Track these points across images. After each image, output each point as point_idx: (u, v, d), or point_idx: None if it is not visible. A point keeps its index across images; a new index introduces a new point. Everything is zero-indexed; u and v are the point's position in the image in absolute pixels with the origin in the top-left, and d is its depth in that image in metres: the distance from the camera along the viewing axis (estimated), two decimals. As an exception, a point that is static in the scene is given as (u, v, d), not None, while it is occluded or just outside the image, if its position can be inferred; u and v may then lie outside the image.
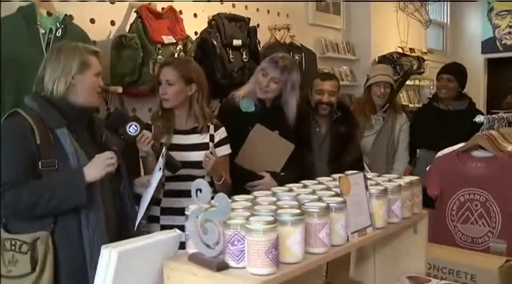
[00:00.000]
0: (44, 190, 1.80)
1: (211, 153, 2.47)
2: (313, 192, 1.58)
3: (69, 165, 1.85)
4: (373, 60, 5.25)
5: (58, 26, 2.57)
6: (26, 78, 2.28)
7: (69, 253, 1.86)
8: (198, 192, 1.30)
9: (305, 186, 1.71)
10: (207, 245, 1.28)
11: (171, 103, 2.41)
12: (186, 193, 2.41)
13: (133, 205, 2.14)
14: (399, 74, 5.04)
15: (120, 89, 2.90)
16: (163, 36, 3.02)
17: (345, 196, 1.50)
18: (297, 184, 1.74)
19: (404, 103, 5.79)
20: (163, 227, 2.28)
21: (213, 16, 3.47)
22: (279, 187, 1.67)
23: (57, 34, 2.57)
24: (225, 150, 2.54)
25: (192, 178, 2.40)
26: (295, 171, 2.75)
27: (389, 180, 1.81)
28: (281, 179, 2.64)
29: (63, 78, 1.92)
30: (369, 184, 1.68)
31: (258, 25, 4.05)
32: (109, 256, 1.21)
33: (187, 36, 3.21)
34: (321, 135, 3.12)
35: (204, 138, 2.47)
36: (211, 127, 2.51)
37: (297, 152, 2.83)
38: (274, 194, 1.58)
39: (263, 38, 4.08)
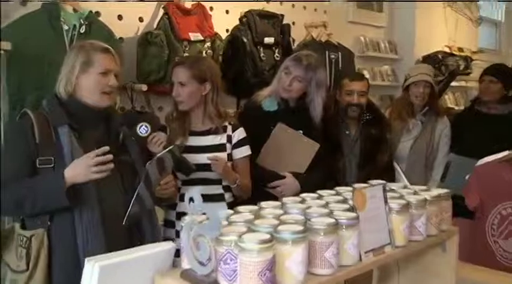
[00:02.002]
0: (29, 192, 1.77)
1: (229, 155, 2.37)
2: (326, 205, 1.44)
3: (63, 163, 1.81)
4: (416, 59, 5.00)
5: (82, 22, 2.53)
6: (49, 75, 2.26)
7: (62, 251, 1.83)
8: (191, 201, 1.19)
9: (320, 197, 1.58)
10: (200, 262, 1.18)
11: (186, 105, 2.33)
12: (202, 197, 2.36)
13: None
14: (444, 75, 4.77)
15: (144, 87, 2.84)
16: (190, 33, 2.94)
17: (359, 211, 1.36)
18: (311, 194, 1.60)
19: (450, 105, 5.51)
20: (179, 233, 2.20)
21: (245, 13, 3.36)
22: (290, 198, 1.54)
23: (80, 31, 2.53)
24: (244, 151, 2.43)
25: (208, 181, 2.33)
26: (322, 173, 2.62)
27: (415, 193, 1.64)
28: (304, 180, 2.57)
29: (68, 78, 1.90)
30: (390, 196, 1.54)
31: (293, 22, 3.91)
32: (92, 270, 1.13)
33: (216, 33, 3.12)
34: (351, 138, 2.97)
35: (220, 139, 2.38)
36: (229, 127, 2.41)
37: (326, 154, 2.69)
38: (282, 205, 1.45)
39: (298, 35, 3.94)
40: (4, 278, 1.89)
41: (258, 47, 3.33)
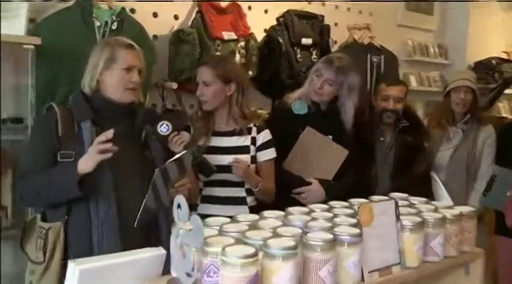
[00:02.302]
0: (45, 181, 1.81)
1: (253, 157, 2.31)
2: (332, 218, 1.35)
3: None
4: (467, 65, 4.75)
5: (114, 19, 2.54)
6: (79, 70, 2.27)
7: (78, 244, 1.84)
8: (178, 209, 1.14)
9: (330, 208, 1.49)
10: (186, 272, 1.12)
11: (211, 105, 2.29)
12: (224, 200, 2.33)
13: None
14: (496, 82, 4.50)
15: (175, 85, 2.82)
16: (223, 32, 2.90)
17: (364, 227, 1.27)
18: (322, 205, 1.52)
19: (504, 114, 5.21)
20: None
21: (283, 13, 3.29)
22: (296, 208, 1.46)
23: (112, 27, 2.54)
24: (269, 154, 2.37)
25: (230, 183, 2.28)
26: (350, 181, 2.51)
27: (435, 210, 1.52)
28: (330, 188, 2.48)
29: (92, 74, 1.92)
30: (406, 212, 1.43)
31: (335, 24, 3.80)
32: (73, 272, 1.09)
33: (251, 33, 3.06)
34: (386, 145, 2.84)
35: (244, 141, 2.32)
36: (254, 129, 2.35)
37: (356, 161, 2.58)
38: (285, 216, 1.37)
39: (341, 37, 3.82)
40: (25, 268, 1.93)
41: (295, 48, 3.25)
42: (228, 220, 1.31)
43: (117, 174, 1.86)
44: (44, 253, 1.85)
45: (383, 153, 2.84)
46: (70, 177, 1.76)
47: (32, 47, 2.21)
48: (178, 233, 1.14)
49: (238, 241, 1.12)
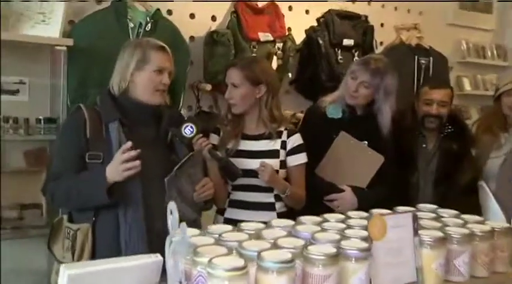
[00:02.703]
0: (75, 185, 1.81)
1: (283, 162, 2.24)
2: (344, 230, 1.26)
3: (110, 160, 1.79)
4: (529, 67, 4.44)
5: (148, 20, 2.55)
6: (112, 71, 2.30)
7: (106, 247, 1.83)
8: (171, 215, 1.09)
9: (347, 218, 1.40)
10: (178, 281, 1.07)
11: (240, 108, 2.23)
12: (251, 205, 2.26)
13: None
14: (559, 86, 4.16)
15: (209, 87, 2.80)
16: (260, 33, 2.84)
17: (374, 241, 1.17)
18: (338, 215, 1.43)
19: None
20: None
21: (324, 13, 3.19)
22: (307, 217, 1.37)
23: (146, 28, 2.54)
24: (300, 159, 2.27)
25: (259, 188, 2.21)
26: (386, 189, 2.38)
27: (463, 224, 1.39)
28: (364, 196, 2.35)
29: (123, 75, 1.91)
30: (429, 226, 1.31)
31: (381, 24, 3.65)
32: (63, 276, 1.07)
33: (288, 35, 2.99)
34: (428, 152, 2.67)
35: (273, 145, 2.24)
36: (284, 133, 2.27)
37: (393, 168, 2.44)
38: (293, 227, 1.29)
39: (387, 38, 3.67)
40: (51, 267, 1.97)
41: (336, 49, 3.14)
42: (263, 225, 1.24)
43: (144, 178, 1.84)
44: (73, 254, 1.86)
45: (425, 161, 2.67)
46: (99, 184, 1.75)
47: (64, 48, 2.25)
48: (170, 240, 1.09)
49: (232, 252, 1.05)
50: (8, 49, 2.32)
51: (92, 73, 2.44)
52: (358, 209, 1.78)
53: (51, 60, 2.43)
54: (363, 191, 2.38)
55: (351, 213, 1.46)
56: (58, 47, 2.26)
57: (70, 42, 2.28)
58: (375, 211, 1.45)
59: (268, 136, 2.25)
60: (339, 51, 3.15)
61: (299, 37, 3.17)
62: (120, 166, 1.73)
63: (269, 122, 2.24)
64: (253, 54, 2.82)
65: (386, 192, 2.37)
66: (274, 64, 2.92)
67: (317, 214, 1.60)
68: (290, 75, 3.12)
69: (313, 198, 2.33)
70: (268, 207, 2.25)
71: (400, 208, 1.49)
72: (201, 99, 2.89)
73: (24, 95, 2.45)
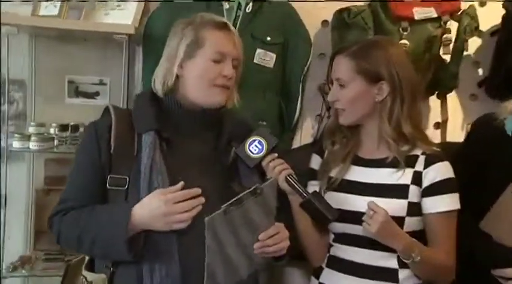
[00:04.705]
0: (88, 227, 1.31)
1: (414, 205, 1.41)
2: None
3: (137, 187, 1.31)
4: None
5: (249, -2, 1.91)
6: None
7: None
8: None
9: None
10: None
11: (349, 116, 1.50)
12: (359, 269, 1.44)
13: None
14: None
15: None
16: (414, 9, 1.92)
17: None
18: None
19: None
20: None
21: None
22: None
23: (247, 9, 1.91)
24: (445, 203, 1.43)
25: (372, 244, 1.43)
26: None
27: None
28: None
29: (167, 68, 1.40)
30: None
31: None
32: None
33: (462, 10, 1.98)
34: None
35: (400, 177, 1.45)
36: (421, 159, 1.45)
37: None
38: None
39: None
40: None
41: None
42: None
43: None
44: None
45: None
46: (119, 231, 1.25)
47: (124, 36, 1.76)
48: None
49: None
50: (81, 43, 1.96)
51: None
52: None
53: (127, 53, 1.96)
54: None
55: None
56: (119, 36, 1.76)
57: (131, 29, 1.77)
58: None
59: (393, 164, 1.45)
60: None
61: (487, 12, 2.14)
62: (168, 218, 1.24)
63: (393, 141, 1.42)
64: (404, 41, 1.93)
65: None
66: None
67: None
68: (481, 71, 2.13)
69: (472, 269, 1.43)
70: (387, 275, 1.44)
71: None
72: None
73: (105, 98, 2.05)
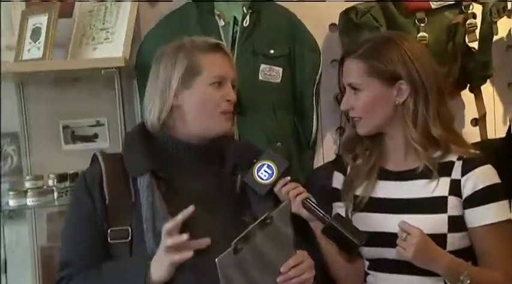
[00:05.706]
0: None
1: (457, 220, 1.23)
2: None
3: (142, 238, 1.21)
4: None
5: (245, 11, 1.73)
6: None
7: None
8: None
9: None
10: None
11: (367, 124, 1.33)
12: None
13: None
14: None
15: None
16: (431, -2, 1.74)
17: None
18: None
19: None
20: None
21: None
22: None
23: (244, 24, 1.74)
24: (493, 213, 1.25)
25: (411, 268, 1.23)
26: None
27: None
28: None
29: (161, 99, 1.29)
30: None
31: None
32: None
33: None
34: None
35: (435, 188, 1.27)
36: (457, 165, 1.27)
37: None
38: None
39: None
40: None
41: None
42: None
43: (198, 259, 1.14)
44: None
45: None
46: None
47: (113, 70, 1.60)
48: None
49: None
50: (72, 83, 1.82)
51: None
52: None
53: (120, 87, 1.81)
54: None
55: None
56: (108, 70, 1.61)
57: (121, 62, 1.61)
58: None
59: (425, 174, 1.28)
60: None
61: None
62: (165, 256, 1.14)
63: (422, 148, 1.23)
64: (422, 33, 1.73)
65: None
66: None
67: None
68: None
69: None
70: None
71: None
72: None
73: (105, 140, 1.89)
